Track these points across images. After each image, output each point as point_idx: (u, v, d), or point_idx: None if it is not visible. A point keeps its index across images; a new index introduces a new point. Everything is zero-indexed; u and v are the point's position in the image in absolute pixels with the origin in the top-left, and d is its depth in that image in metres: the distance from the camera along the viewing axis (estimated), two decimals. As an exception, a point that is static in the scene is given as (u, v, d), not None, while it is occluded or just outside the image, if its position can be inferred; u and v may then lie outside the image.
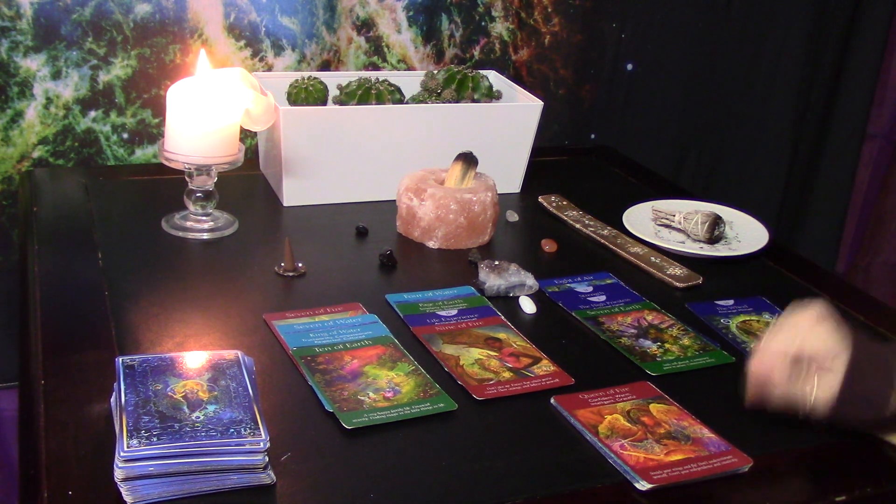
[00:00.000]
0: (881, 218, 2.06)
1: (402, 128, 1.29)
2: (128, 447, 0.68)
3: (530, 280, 1.09)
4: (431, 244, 1.19)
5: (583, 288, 1.11)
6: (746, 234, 1.29)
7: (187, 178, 1.16)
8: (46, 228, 1.14)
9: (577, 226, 1.29)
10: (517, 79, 1.62)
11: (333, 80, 1.34)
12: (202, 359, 0.80)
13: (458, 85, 1.35)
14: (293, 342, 0.92)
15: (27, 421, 0.80)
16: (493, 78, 1.44)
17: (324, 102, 1.31)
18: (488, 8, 1.60)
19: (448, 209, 1.17)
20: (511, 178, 1.40)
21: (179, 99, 1.12)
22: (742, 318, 1.08)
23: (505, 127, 1.35)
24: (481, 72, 1.40)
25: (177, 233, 1.16)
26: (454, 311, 1.02)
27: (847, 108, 1.97)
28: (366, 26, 1.52)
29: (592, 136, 1.78)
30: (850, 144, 2.01)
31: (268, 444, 0.71)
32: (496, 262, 1.10)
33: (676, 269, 1.17)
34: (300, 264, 1.09)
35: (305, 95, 1.29)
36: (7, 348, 1.41)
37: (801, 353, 0.84)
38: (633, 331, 1.02)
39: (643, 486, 0.76)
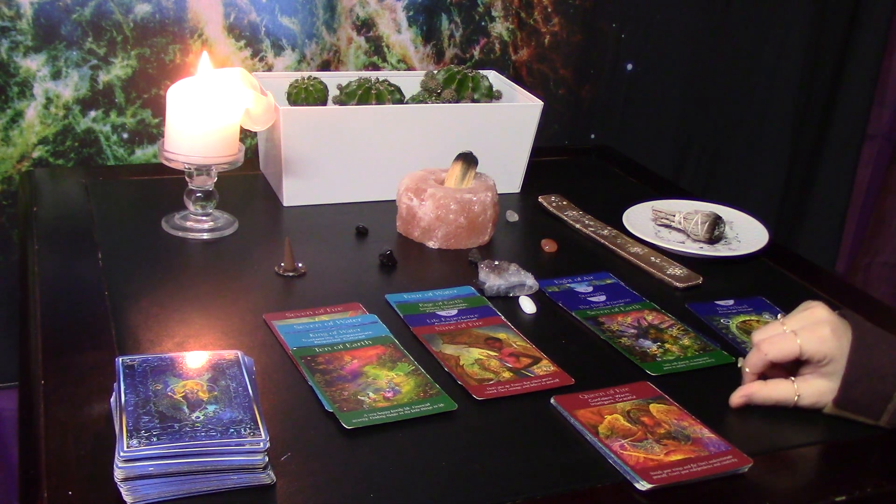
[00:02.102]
0: (881, 218, 2.06)
1: (402, 128, 1.29)
2: (128, 447, 0.68)
3: (530, 280, 1.09)
4: (431, 244, 1.19)
5: (583, 288, 1.11)
6: (746, 234, 1.29)
7: (187, 178, 1.16)
8: (46, 228, 1.14)
9: (577, 226, 1.29)
10: (517, 79, 1.62)
11: (333, 80, 1.34)
12: (202, 359, 0.80)
13: (458, 85, 1.35)
14: (293, 342, 0.92)
15: (27, 421, 0.80)
16: (493, 78, 1.44)
17: (324, 102, 1.31)
18: (488, 8, 1.60)
19: (448, 209, 1.17)
20: (511, 178, 1.40)
21: (179, 99, 1.12)
22: (742, 318, 1.08)
23: (505, 127, 1.35)
24: (481, 72, 1.40)
25: (177, 233, 1.16)
26: (454, 311, 1.02)
27: (847, 108, 1.97)
28: (366, 26, 1.53)
29: (592, 136, 1.78)
30: (850, 144, 2.01)
31: (268, 444, 0.71)
32: (496, 262, 1.10)
33: (676, 269, 1.17)
34: (300, 264, 1.09)
35: (305, 95, 1.29)
36: (7, 348, 1.41)
37: (798, 353, 0.86)
38: (633, 331, 1.02)
39: (643, 486, 0.76)
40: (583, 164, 1.60)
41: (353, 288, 1.07)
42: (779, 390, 0.88)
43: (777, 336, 0.87)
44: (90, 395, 0.81)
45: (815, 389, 0.87)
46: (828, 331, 0.85)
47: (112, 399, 0.77)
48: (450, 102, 1.34)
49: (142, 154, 1.45)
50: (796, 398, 0.87)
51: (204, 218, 1.18)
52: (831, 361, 0.85)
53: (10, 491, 1.49)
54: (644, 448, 0.80)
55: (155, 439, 0.69)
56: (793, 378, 0.88)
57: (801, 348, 0.85)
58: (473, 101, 1.36)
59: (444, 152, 1.24)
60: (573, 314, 1.05)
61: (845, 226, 2.08)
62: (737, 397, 0.89)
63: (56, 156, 1.40)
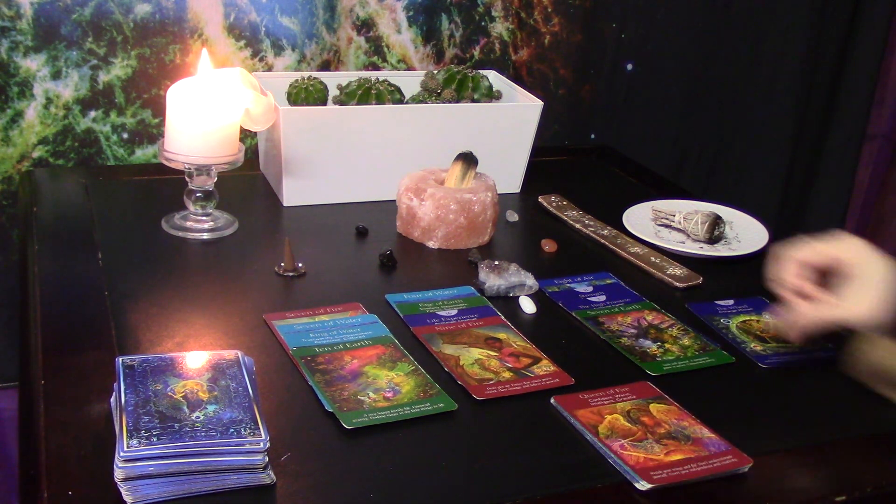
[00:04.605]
0: (881, 218, 2.06)
1: (402, 128, 1.29)
2: (128, 447, 0.68)
3: (530, 280, 1.09)
4: (431, 244, 1.19)
5: (583, 288, 1.11)
6: (746, 234, 1.29)
7: (187, 178, 1.16)
8: (46, 228, 1.14)
9: (577, 226, 1.29)
10: (517, 79, 1.62)
11: (333, 80, 1.34)
12: (202, 359, 0.80)
13: (458, 85, 1.35)
14: (293, 342, 0.92)
15: (27, 421, 0.80)
16: (493, 78, 1.44)
17: (324, 102, 1.31)
18: (488, 8, 1.60)
19: (448, 209, 1.17)
20: (511, 178, 1.39)
21: (179, 99, 1.12)
22: (742, 318, 1.07)
23: (505, 127, 1.35)
24: (481, 72, 1.40)
25: (177, 233, 1.16)
26: (454, 311, 1.02)
27: (847, 108, 1.97)
28: (366, 26, 1.52)
29: (592, 136, 1.78)
30: (850, 144, 2.01)
31: (268, 444, 0.71)
32: (496, 262, 1.10)
33: (676, 269, 1.17)
34: (300, 264, 1.09)
35: (305, 95, 1.29)
36: (7, 348, 1.41)
37: (833, 261, 0.86)
38: (633, 331, 1.02)
39: (643, 486, 0.76)
40: (583, 164, 1.60)
41: (353, 288, 1.07)
42: (823, 308, 0.87)
43: (803, 245, 0.90)
44: (90, 395, 0.81)
45: (860, 300, 0.85)
46: (849, 236, 0.87)
47: (112, 399, 0.77)
48: (450, 102, 1.34)
49: (142, 154, 1.45)
50: (840, 310, 0.85)
51: (204, 218, 1.18)
52: (862, 271, 0.85)
53: (10, 491, 1.49)
54: (644, 448, 0.80)
55: (155, 439, 0.69)
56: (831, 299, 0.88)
57: (827, 249, 0.87)
58: (473, 101, 1.36)
59: (444, 152, 1.24)
60: (573, 314, 1.05)
61: (845, 226, 2.08)
62: (794, 333, 0.88)
63: (56, 156, 1.40)
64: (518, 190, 1.41)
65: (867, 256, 0.86)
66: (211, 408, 0.73)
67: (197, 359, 0.80)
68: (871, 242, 2.18)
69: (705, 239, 1.24)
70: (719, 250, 1.23)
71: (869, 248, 0.86)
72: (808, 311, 0.88)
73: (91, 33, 1.35)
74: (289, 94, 1.32)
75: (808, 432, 0.87)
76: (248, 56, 1.45)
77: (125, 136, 1.42)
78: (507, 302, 1.06)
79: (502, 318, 1.02)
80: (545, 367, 0.93)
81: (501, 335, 0.98)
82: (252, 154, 1.41)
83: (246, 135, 1.34)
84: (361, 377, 0.87)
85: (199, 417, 0.72)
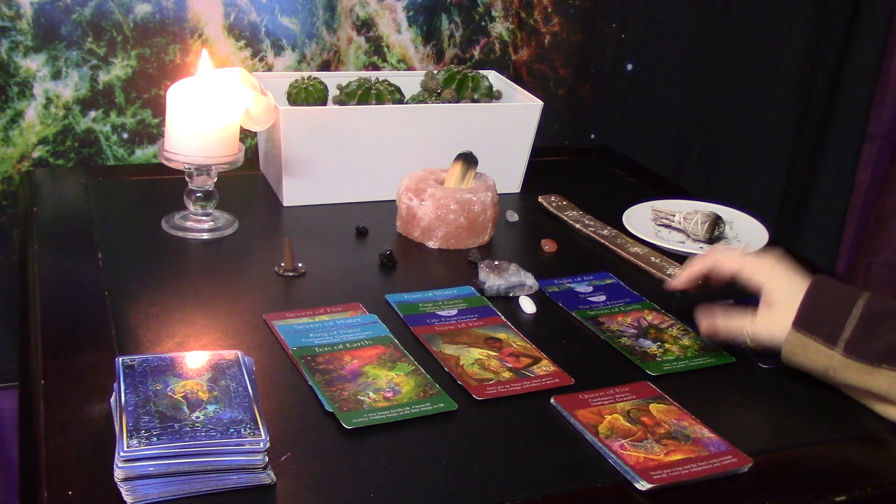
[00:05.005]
0: (881, 218, 2.06)
1: (402, 128, 1.29)
2: (128, 447, 0.68)
3: (530, 280, 1.09)
4: (431, 244, 1.19)
5: (583, 288, 1.11)
6: (746, 234, 1.29)
7: (187, 178, 1.16)
8: (46, 228, 1.14)
9: (577, 226, 1.29)
10: (517, 79, 1.62)
11: (333, 80, 1.34)
12: (202, 359, 0.80)
13: (458, 85, 1.35)
14: (293, 342, 0.92)
15: (27, 421, 0.80)
16: (493, 78, 1.44)
17: (324, 102, 1.31)
18: (488, 8, 1.60)
19: (448, 209, 1.17)
20: (511, 178, 1.40)
21: (179, 99, 1.12)
22: (742, 318, 1.07)
23: (505, 127, 1.35)
24: (481, 72, 1.40)
25: (177, 233, 1.16)
26: (454, 311, 1.02)
27: (847, 108, 1.97)
28: (366, 26, 1.53)
29: (592, 136, 1.78)
30: (850, 144, 2.01)
31: (268, 444, 0.71)
32: (496, 262, 1.10)
33: (676, 269, 1.17)
34: (300, 264, 1.09)
35: (305, 95, 1.29)
36: (7, 348, 1.41)
37: (744, 277, 0.93)
38: (633, 331, 1.02)
39: (643, 486, 0.76)
40: (583, 164, 1.60)
41: (353, 288, 1.07)
42: (735, 320, 0.94)
43: (728, 250, 0.98)
44: (90, 395, 0.81)
45: (763, 320, 0.91)
46: (771, 261, 0.92)
47: (112, 399, 0.77)
48: (450, 102, 1.34)
49: (142, 154, 1.45)
50: (749, 327, 0.92)
51: (204, 218, 1.18)
52: (771, 291, 0.91)
53: (10, 491, 1.49)
54: (644, 448, 0.80)
55: (155, 439, 0.69)
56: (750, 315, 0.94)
57: (741, 265, 0.93)
58: (473, 101, 1.36)
59: (444, 152, 1.24)
60: (573, 314, 1.05)
61: (845, 226, 2.08)
62: (704, 323, 0.95)
63: (56, 156, 1.40)
64: (518, 190, 1.41)
65: (774, 280, 0.91)
66: (211, 408, 0.73)
67: (197, 359, 0.80)
68: (871, 243, 2.17)
69: (705, 239, 1.24)
70: (719, 250, 1.23)
71: (780, 272, 0.92)
72: (720, 319, 0.95)
73: (91, 33, 1.35)
74: (289, 94, 1.32)
75: (808, 432, 0.87)
76: (248, 56, 1.45)
77: (125, 136, 1.42)
78: (507, 302, 1.06)
79: (502, 318, 1.02)
80: (545, 367, 0.93)
81: (501, 335, 0.98)
82: (252, 154, 1.41)
83: (246, 135, 1.34)
84: (361, 377, 0.87)
85: (199, 417, 0.72)
